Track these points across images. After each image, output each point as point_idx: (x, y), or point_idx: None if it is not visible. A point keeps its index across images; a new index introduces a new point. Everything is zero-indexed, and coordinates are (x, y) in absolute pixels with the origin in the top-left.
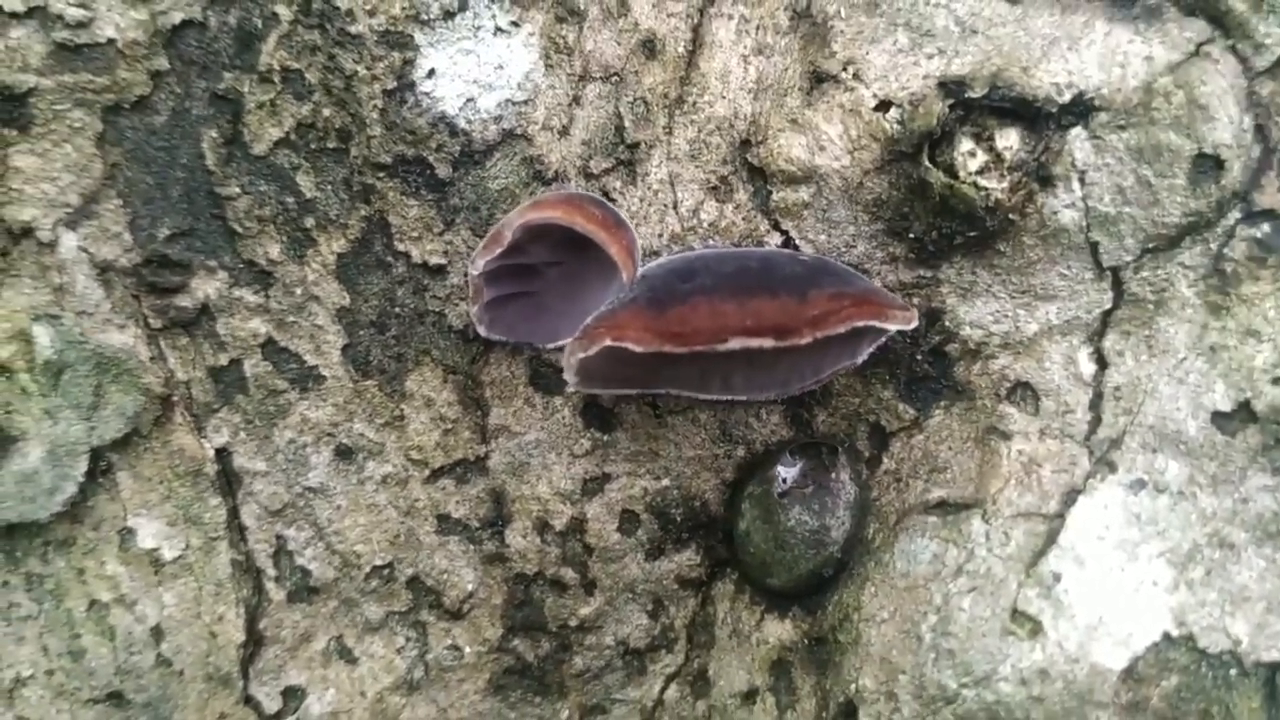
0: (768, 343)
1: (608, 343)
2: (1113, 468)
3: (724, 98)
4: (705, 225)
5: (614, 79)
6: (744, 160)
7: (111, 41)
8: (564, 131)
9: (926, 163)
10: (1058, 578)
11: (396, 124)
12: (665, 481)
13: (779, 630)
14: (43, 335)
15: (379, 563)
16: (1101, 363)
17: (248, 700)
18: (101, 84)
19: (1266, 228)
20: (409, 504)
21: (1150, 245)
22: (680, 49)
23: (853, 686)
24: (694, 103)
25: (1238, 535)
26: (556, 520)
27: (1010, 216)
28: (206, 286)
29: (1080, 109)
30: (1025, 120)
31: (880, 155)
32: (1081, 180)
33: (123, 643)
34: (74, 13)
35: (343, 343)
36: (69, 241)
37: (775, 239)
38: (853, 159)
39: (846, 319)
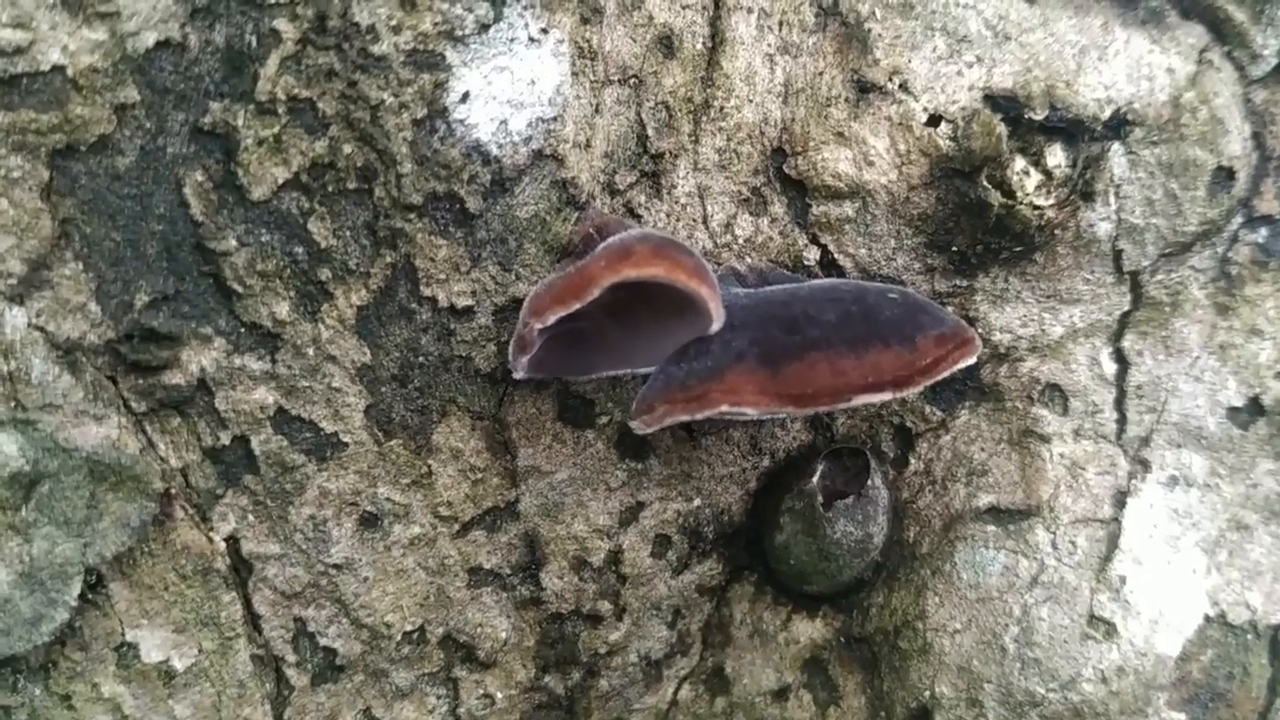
0: (886, 396)
1: (724, 408)
2: (1147, 466)
3: (751, 101)
4: (740, 241)
5: (633, 81)
6: (778, 170)
7: (59, 69)
8: (588, 144)
9: (985, 183)
10: (1124, 580)
11: (428, 158)
12: (697, 501)
13: (809, 629)
14: (7, 444)
15: (409, 628)
16: (1123, 362)
17: None
18: (48, 122)
19: (1265, 232)
20: (439, 563)
21: (1167, 251)
22: (699, 45)
23: (927, 694)
24: (720, 107)
25: (1250, 517)
26: (594, 557)
27: (1055, 231)
28: (200, 358)
29: (1117, 124)
30: (1066, 136)
31: (929, 171)
32: (1117, 193)
33: None
34: (6, 35)
35: (365, 404)
36: (16, 319)
37: (814, 253)
38: (900, 174)
39: (953, 363)
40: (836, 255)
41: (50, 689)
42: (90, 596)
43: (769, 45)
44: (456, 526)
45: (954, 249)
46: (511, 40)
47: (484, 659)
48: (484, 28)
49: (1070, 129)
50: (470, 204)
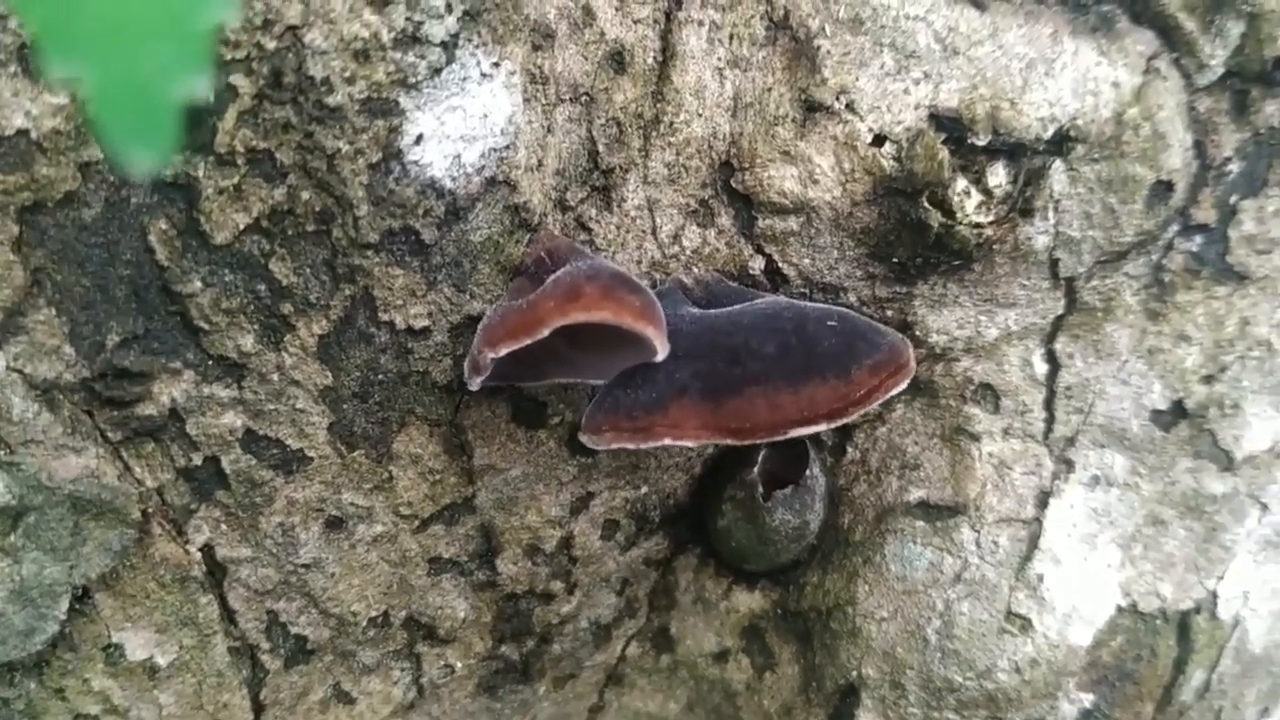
0: (822, 427)
1: (667, 441)
2: (1071, 466)
3: (700, 115)
4: (688, 252)
5: (584, 99)
6: (725, 184)
7: (24, 133)
8: (539, 164)
9: (926, 205)
10: (1041, 578)
11: (384, 198)
12: (644, 489)
13: (748, 600)
14: None
15: (374, 614)
16: (1054, 364)
17: None
18: (15, 183)
19: (1200, 239)
20: (400, 555)
21: (1103, 259)
22: (650, 60)
23: (854, 673)
24: (670, 122)
25: (1167, 513)
26: (547, 544)
27: (994, 246)
28: (171, 390)
29: (1059, 141)
30: (1009, 155)
31: (872, 188)
32: (1056, 208)
33: None
34: None
35: (328, 421)
36: None
37: (759, 263)
38: (844, 190)
39: (885, 391)
40: (781, 265)
41: (44, 684)
42: (78, 607)
43: (719, 59)
44: (416, 523)
45: (894, 260)
46: (464, 80)
47: (444, 636)
48: (436, 71)
49: (1012, 150)
50: (425, 235)
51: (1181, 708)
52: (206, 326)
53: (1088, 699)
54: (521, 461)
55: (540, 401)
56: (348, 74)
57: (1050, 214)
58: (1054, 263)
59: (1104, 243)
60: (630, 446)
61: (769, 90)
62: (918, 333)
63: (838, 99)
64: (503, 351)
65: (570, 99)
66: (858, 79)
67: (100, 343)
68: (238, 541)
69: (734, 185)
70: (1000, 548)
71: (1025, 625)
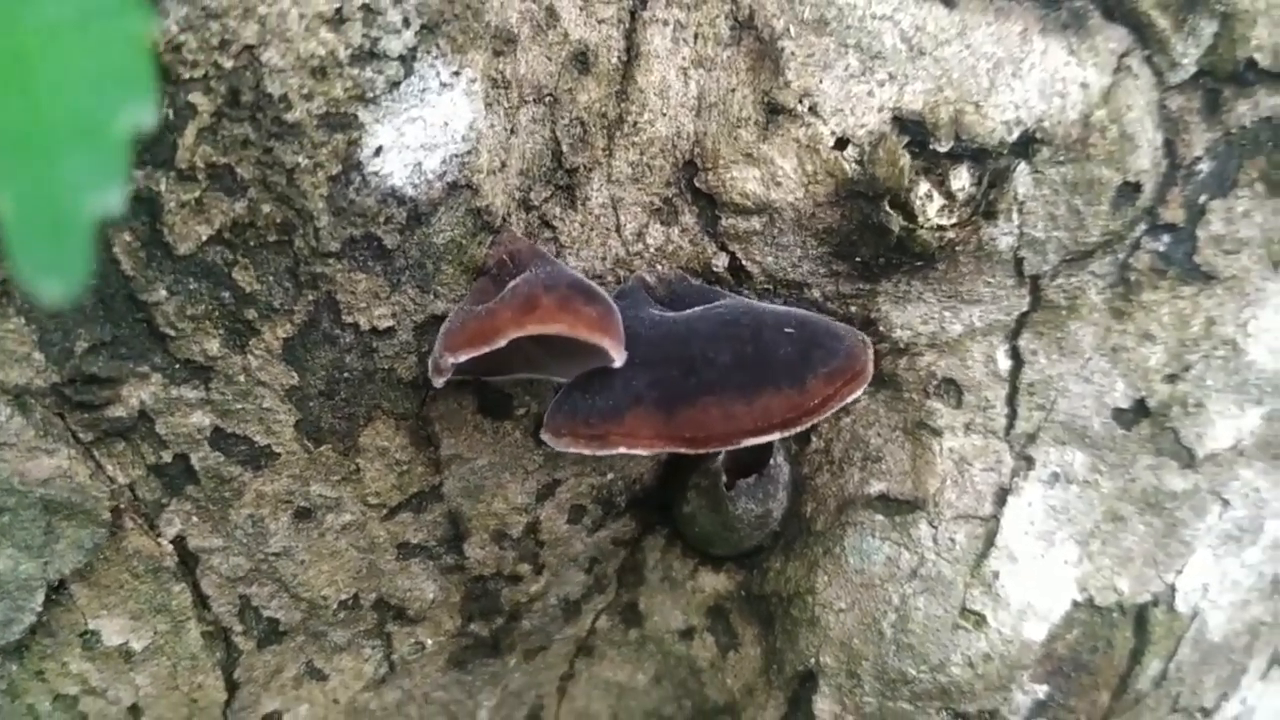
0: (775, 436)
1: (621, 450)
2: (1031, 463)
3: (664, 115)
4: (652, 250)
5: (548, 99)
6: (689, 183)
7: None
8: (503, 165)
9: (888, 209)
10: (996, 575)
11: (345, 209)
12: (610, 475)
13: (714, 581)
14: None
15: (344, 597)
16: (1017, 360)
17: None
18: None
19: (1168, 239)
20: (369, 542)
21: (1068, 258)
22: (614, 60)
23: (812, 660)
24: (634, 122)
25: (1126, 509)
26: (513, 530)
27: (956, 248)
28: (140, 392)
29: (1025, 143)
30: (973, 157)
31: (834, 190)
32: (1020, 210)
33: None
34: None
35: (294, 419)
36: None
37: (723, 260)
38: (806, 192)
39: (840, 399)
40: (744, 262)
41: (25, 666)
42: (54, 597)
43: (683, 58)
44: (384, 511)
45: (857, 259)
46: (423, 90)
47: (413, 616)
48: (395, 85)
49: (976, 154)
50: (388, 241)
51: (1138, 695)
52: (173, 333)
53: (1042, 690)
54: (488, 451)
55: (506, 394)
56: (305, 91)
57: (1014, 215)
58: (1018, 261)
59: (1069, 243)
60: (587, 452)
61: (733, 91)
62: (881, 328)
63: (800, 102)
64: (462, 358)
65: (534, 100)
66: (821, 81)
67: (69, 349)
68: (209, 532)
69: (697, 185)
70: (957, 544)
71: (979, 621)
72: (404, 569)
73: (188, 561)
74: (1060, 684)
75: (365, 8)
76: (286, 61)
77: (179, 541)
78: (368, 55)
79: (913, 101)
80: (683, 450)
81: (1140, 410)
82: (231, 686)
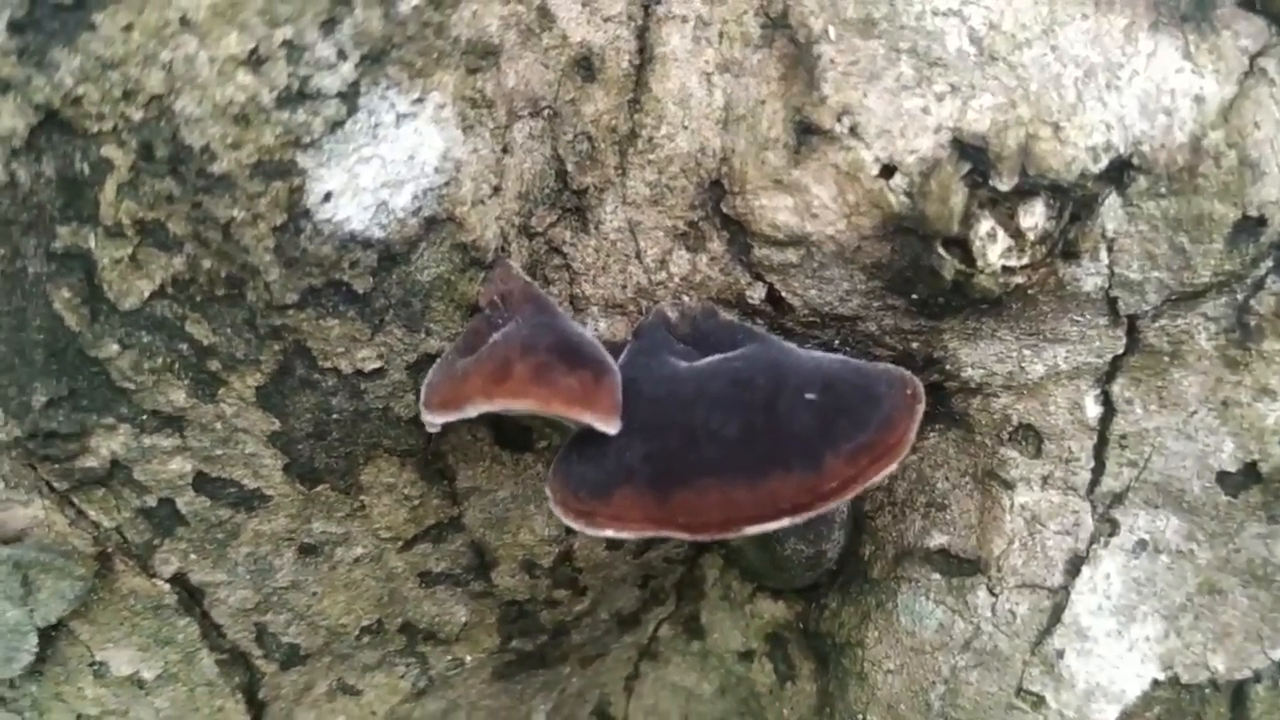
0: (784, 523)
1: (609, 533)
2: (1115, 527)
3: (686, 128)
4: (677, 279)
5: (546, 113)
6: (716, 206)
7: None
8: (496, 190)
9: (940, 251)
10: (1060, 654)
11: (297, 259)
12: None
13: (772, 608)
14: None
15: (366, 623)
16: (1109, 408)
17: None
18: None
19: None
20: (387, 572)
21: (1173, 298)
22: (625, 64)
23: (860, 717)
24: (649, 137)
25: (1228, 581)
26: (544, 560)
27: (1029, 291)
28: (109, 443)
29: (1118, 170)
30: (1050, 188)
31: (882, 223)
32: (1110, 249)
33: None
34: None
35: (282, 463)
36: None
37: (759, 291)
38: (849, 224)
39: (865, 480)
40: (784, 294)
41: (44, 688)
42: (54, 634)
43: (706, 62)
44: (400, 543)
45: (914, 296)
46: (375, 126)
47: (445, 638)
48: (337, 125)
49: (1052, 186)
50: (358, 286)
51: None
52: (132, 386)
53: None
54: (509, 483)
55: (523, 426)
56: (230, 140)
57: (1102, 254)
58: (1111, 301)
59: (1173, 284)
60: (578, 529)
61: (762, 103)
62: (949, 367)
63: (839, 121)
64: (439, 421)
65: (530, 114)
66: (865, 95)
67: (26, 403)
68: (210, 568)
69: (724, 209)
70: (1018, 617)
71: (1038, 703)
72: (429, 595)
73: (193, 594)
74: None
75: (288, 44)
76: (203, 110)
77: (179, 578)
78: (298, 96)
79: (977, 121)
80: (680, 536)
81: (1251, 475)
82: (259, 705)
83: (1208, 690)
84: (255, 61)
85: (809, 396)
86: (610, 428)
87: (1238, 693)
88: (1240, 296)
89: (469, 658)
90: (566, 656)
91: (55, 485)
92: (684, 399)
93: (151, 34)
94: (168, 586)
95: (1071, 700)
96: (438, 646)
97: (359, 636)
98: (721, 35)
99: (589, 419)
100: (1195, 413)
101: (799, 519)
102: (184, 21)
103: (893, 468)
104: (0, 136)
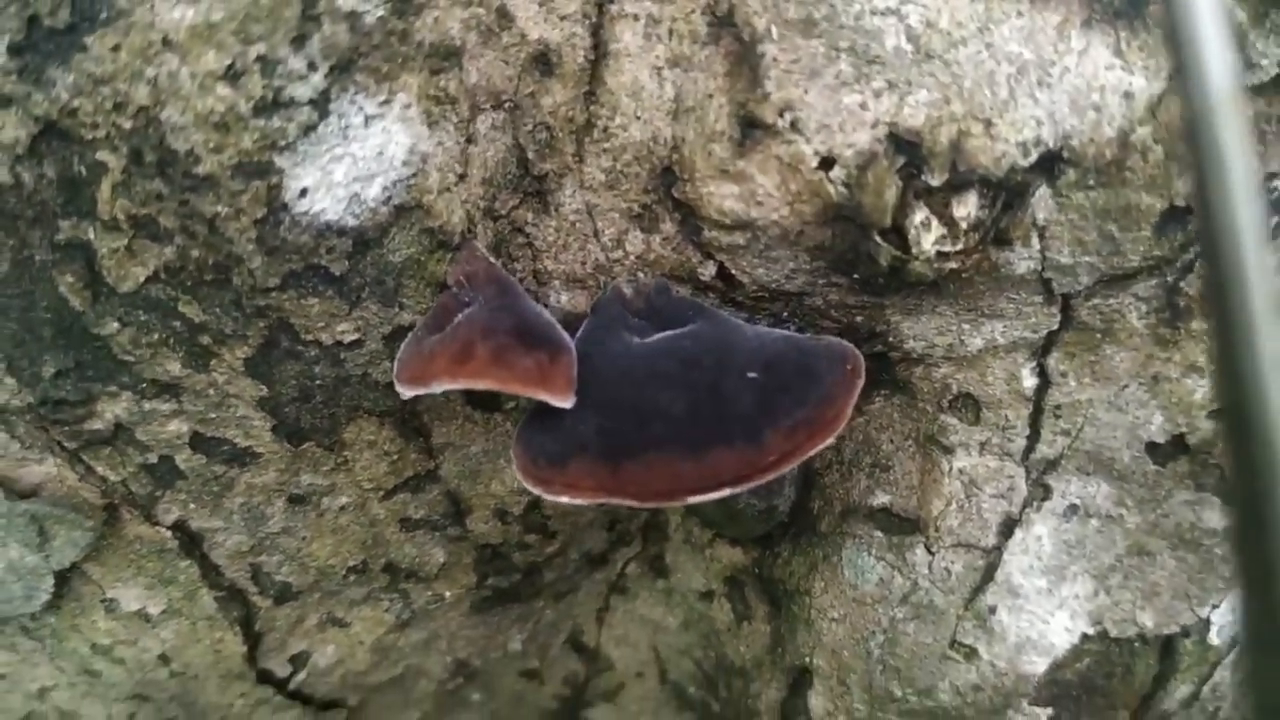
0: (725, 493)
1: (565, 499)
2: (1047, 492)
3: (638, 119)
4: (632, 257)
5: (507, 105)
6: (668, 191)
7: None
8: (461, 177)
9: (877, 239)
10: (993, 610)
11: (278, 248)
12: None
13: (730, 553)
14: None
15: (353, 564)
16: (1044, 379)
17: (260, 675)
18: None
19: None
20: (370, 519)
21: (1104, 279)
22: (580, 59)
23: (808, 659)
24: (604, 127)
25: (1156, 544)
26: (514, 508)
27: (963, 275)
28: (113, 408)
29: (1049, 163)
30: (982, 181)
31: (822, 210)
32: (1041, 235)
33: (134, 665)
34: None
35: (271, 424)
36: None
37: (710, 269)
38: (792, 210)
39: (802, 454)
40: (734, 271)
41: (61, 621)
42: (69, 574)
43: (657, 57)
44: (382, 493)
45: (855, 276)
46: (345, 128)
47: (425, 576)
48: (310, 128)
49: (984, 180)
50: (334, 269)
51: (1163, 715)
52: (132, 359)
53: (1044, 713)
54: (481, 440)
55: (493, 391)
56: (212, 145)
57: (1034, 241)
58: (1045, 281)
59: (1103, 267)
60: (537, 493)
61: (710, 98)
62: (891, 339)
63: (781, 116)
64: (409, 394)
65: (492, 107)
66: (806, 92)
67: (37, 374)
68: (208, 516)
69: (675, 194)
70: (952, 575)
71: (970, 654)
72: (409, 539)
73: (193, 539)
74: (1069, 705)
75: (262, 60)
76: (186, 119)
77: (180, 525)
78: (273, 105)
79: (912, 116)
80: (630, 503)
81: (1179, 446)
82: (255, 636)
83: (1136, 644)
84: (232, 76)
85: (751, 375)
86: (565, 403)
87: (1166, 646)
88: (1170, 279)
89: (448, 593)
90: (540, 592)
91: (65, 445)
92: (635, 377)
93: (137, 53)
94: (169, 533)
95: (1003, 652)
96: (419, 584)
97: (345, 576)
98: (671, 32)
99: (545, 397)
100: (1126, 386)
101: (740, 489)
102: (166, 42)
103: (829, 440)
104: (4, 145)
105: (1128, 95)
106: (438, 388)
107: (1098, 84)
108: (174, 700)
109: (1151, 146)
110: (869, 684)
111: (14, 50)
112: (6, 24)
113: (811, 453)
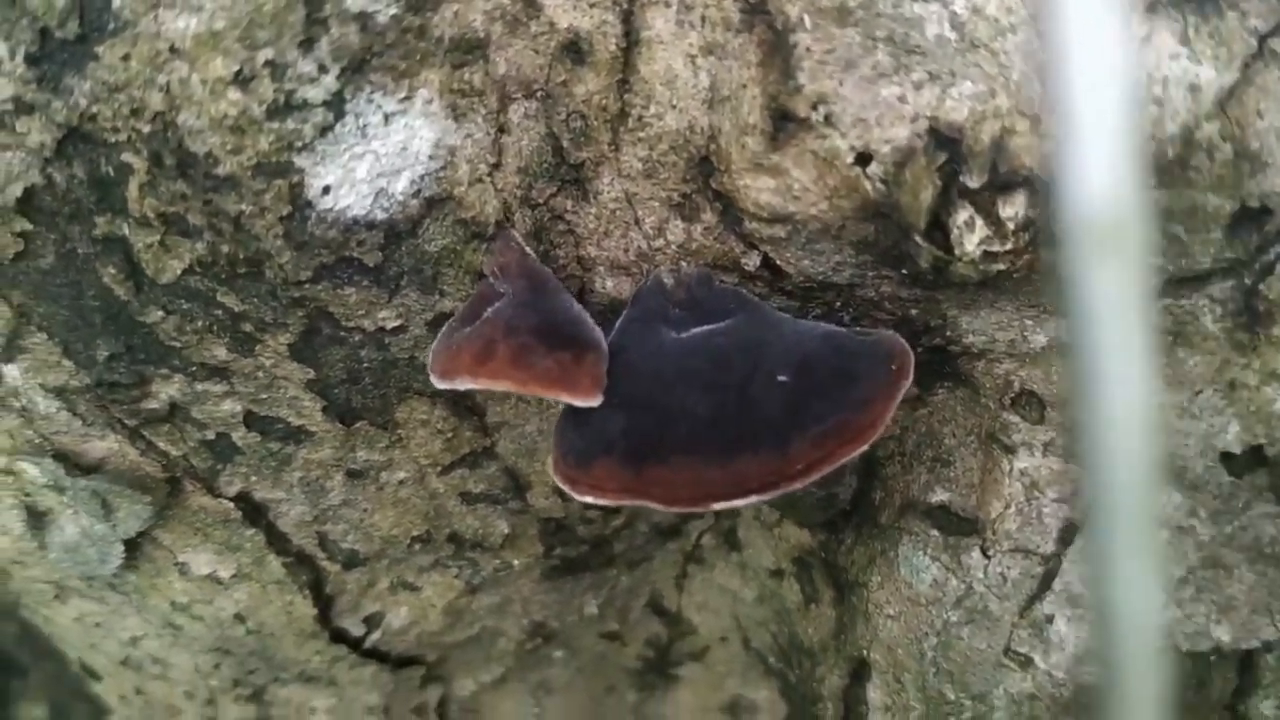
0: (752, 500)
1: (590, 499)
2: None
3: (674, 108)
4: (674, 246)
5: (539, 94)
6: (707, 180)
7: None
8: (496, 166)
9: (917, 239)
10: (1050, 619)
11: (306, 243)
12: None
13: (797, 534)
14: (30, 469)
15: (416, 534)
16: None
17: (333, 634)
18: None
19: None
20: (430, 492)
21: (1174, 281)
22: (612, 47)
23: (866, 651)
24: (639, 116)
25: (1232, 557)
26: None
27: (1014, 275)
28: (167, 389)
29: None
30: (1031, 180)
31: (862, 206)
32: None
33: (213, 622)
34: None
35: (321, 405)
36: (12, 372)
37: (754, 259)
38: (831, 205)
39: (832, 462)
40: (779, 262)
41: (140, 580)
42: (140, 540)
43: (690, 45)
44: (439, 469)
45: (904, 271)
46: (363, 127)
47: (490, 546)
48: (326, 129)
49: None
50: (368, 260)
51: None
52: (179, 344)
53: None
54: (535, 419)
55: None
56: (229, 147)
57: None
58: None
59: (1171, 268)
60: (566, 491)
61: (744, 88)
62: (949, 333)
63: (814, 109)
64: (442, 386)
65: (523, 95)
66: (841, 84)
67: (92, 357)
68: (270, 488)
69: (713, 185)
70: (1008, 581)
71: (1026, 662)
72: (471, 511)
73: (258, 509)
74: None
75: (270, 64)
76: (201, 123)
77: (243, 496)
78: (285, 108)
79: (955, 110)
80: (656, 506)
81: (1256, 458)
82: (327, 599)
83: (1212, 658)
84: (242, 81)
85: (781, 379)
86: (591, 403)
87: (1245, 661)
88: (1248, 281)
89: (516, 562)
90: (612, 560)
91: (126, 422)
92: (666, 376)
93: (147, 61)
94: (232, 504)
95: (1061, 662)
96: (485, 553)
97: (410, 545)
98: (704, 19)
99: (566, 398)
100: (1200, 392)
101: (768, 497)
102: (173, 50)
103: (864, 448)
104: (32, 148)
105: (1193, 88)
106: (462, 386)
107: (1160, 75)
108: (253, 655)
109: (1219, 145)
110: (923, 684)
111: (31, 60)
112: (21, 35)
113: (844, 460)
